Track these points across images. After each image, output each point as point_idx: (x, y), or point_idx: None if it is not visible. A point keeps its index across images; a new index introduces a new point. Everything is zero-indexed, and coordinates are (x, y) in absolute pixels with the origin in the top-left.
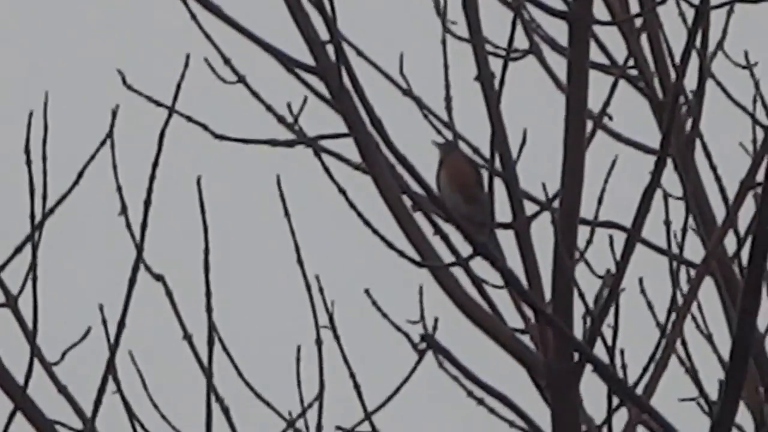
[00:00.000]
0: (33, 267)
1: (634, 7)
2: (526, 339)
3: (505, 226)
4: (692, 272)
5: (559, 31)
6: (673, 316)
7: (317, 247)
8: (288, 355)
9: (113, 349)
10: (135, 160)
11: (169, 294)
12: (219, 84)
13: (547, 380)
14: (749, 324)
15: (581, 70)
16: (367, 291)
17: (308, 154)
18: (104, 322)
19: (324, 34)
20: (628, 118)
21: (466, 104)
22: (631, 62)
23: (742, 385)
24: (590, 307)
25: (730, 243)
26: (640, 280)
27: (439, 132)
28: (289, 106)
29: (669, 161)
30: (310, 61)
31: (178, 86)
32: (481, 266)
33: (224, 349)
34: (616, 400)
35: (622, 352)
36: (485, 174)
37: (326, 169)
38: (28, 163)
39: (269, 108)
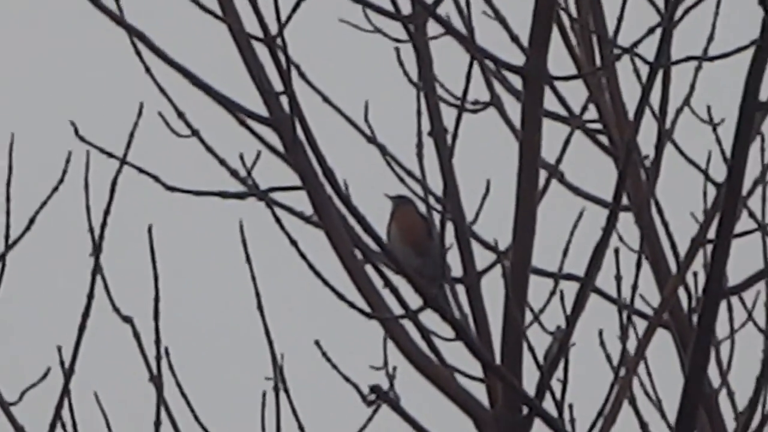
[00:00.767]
0: None
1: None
2: (476, 392)
3: (456, 280)
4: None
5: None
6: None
7: (267, 300)
8: (243, 402)
9: (65, 390)
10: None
11: (136, 335)
12: (173, 137)
13: None
14: (699, 378)
15: (534, 125)
16: (317, 342)
17: (260, 207)
18: (62, 363)
19: (278, 85)
20: (592, 171)
21: (430, 156)
22: (591, 115)
23: None
24: (540, 360)
25: (684, 301)
26: (600, 332)
27: (402, 180)
28: (242, 157)
29: (629, 215)
30: (264, 113)
31: (131, 137)
32: (431, 319)
33: (182, 393)
34: None
35: (571, 406)
36: (437, 228)
37: (278, 221)
38: None
39: (222, 162)
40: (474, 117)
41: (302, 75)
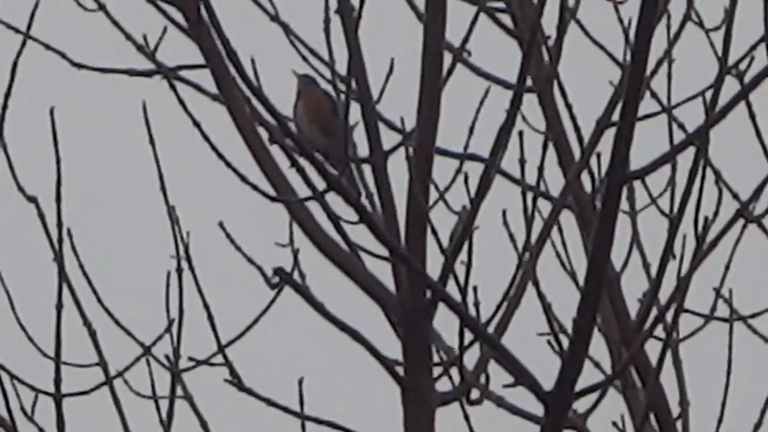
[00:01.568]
0: None
1: None
2: (382, 276)
3: (362, 160)
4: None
5: None
6: (527, 254)
7: (172, 179)
8: (145, 282)
9: None
10: None
11: (41, 215)
12: (79, 11)
13: (399, 316)
14: (601, 262)
15: (438, 6)
16: (221, 224)
17: (166, 86)
18: None
19: None
20: (496, 53)
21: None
22: None
23: (594, 320)
24: (444, 244)
25: (588, 183)
26: (504, 213)
27: (305, 60)
28: (144, 37)
29: (534, 96)
30: None
31: (34, 12)
32: (337, 202)
33: (84, 274)
34: (469, 337)
35: (475, 289)
36: (343, 107)
37: (181, 101)
38: None
39: (129, 37)
40: None
41: None
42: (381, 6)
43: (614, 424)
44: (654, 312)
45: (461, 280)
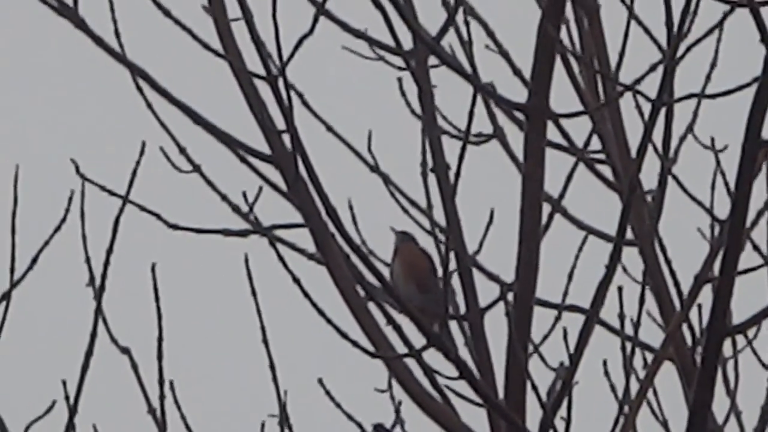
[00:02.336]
0: None
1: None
2: (479, 430)
3: (459, 317)
4: (648, 360)
5: None
6: (626, 407)
7: (271, 336)
8: None
9: (69, 424)
10: (91, 247)
11: (134, 366)
12: (175, 172)
13: None
14: (702, 416)
15: (537, 159)
16: (320, 380)
17: (263, 244)
18: (67, 397)
19: (281, 123)
20: (596, 204)
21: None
22: (595, 146)
23: None
24: (543, 398)
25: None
26: (604, 362)
27: (405, 211)
28: (244, 195)
29: (634, 249)
30: (266, 150)
31: (133, 175)
32: (434, 357)
33: (186, 427)
34: None
35: None
36: (440, 265)
37: (281, 259)
38: None
39: (224, 197)
40: (478, 149)
41: (305, 104)
42: (481, 157)
43: None
44: None
45: None
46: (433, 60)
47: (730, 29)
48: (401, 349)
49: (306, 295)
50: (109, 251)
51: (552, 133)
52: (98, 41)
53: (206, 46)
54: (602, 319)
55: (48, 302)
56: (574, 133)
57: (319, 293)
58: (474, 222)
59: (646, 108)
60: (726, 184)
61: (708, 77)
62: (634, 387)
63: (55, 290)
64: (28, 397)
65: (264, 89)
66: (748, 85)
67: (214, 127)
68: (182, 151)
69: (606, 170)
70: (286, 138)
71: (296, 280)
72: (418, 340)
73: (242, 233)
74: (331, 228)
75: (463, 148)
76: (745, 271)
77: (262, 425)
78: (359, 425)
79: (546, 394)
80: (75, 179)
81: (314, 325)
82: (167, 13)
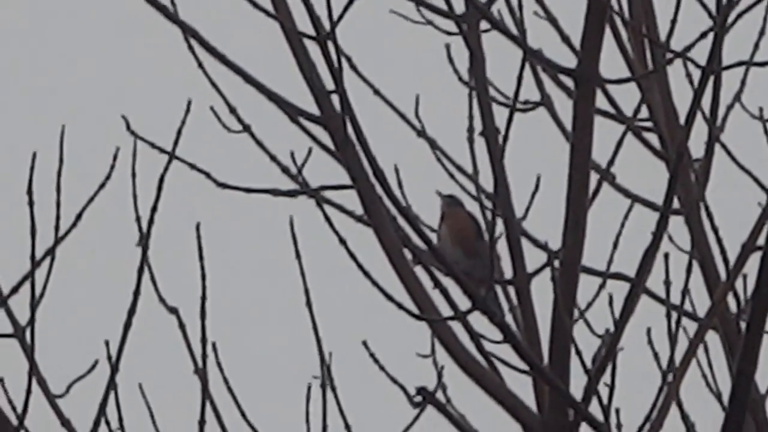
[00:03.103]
0: (36, 299)
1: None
2: (524, 395)
3: (506, 281)
4: (694, 329)
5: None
6: (671, 375)
7: (316, 297)
8: (288, 398)
9: (110, 383)
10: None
11: (182, 326)
12: (224, 132)
13: None
14: (746, 386)
15: (586, 127)
16: (364, 342)
17: (311, 205)
18: (109, 357)
19: (330, 84)
20: (642, 172)
21: (480, 151)
22: (643, 115)
23: None
24: (587, 365)
25: (732, 305)
26: (648, 330)
27: (451, 176)
28: (292, 155)
29: (680, 218)
30: (315, 111)
31: (179, 132)
32: (479, 321)
33: (228, 388)
34: None
35: (617, 411)
36: (487, 229)
37: (328, 220)
38: (30, 201)
39: (273, 158)
40: (525, 116)
41: (353, 67)
42: (528, 125)
43: None
44: None
45: (604, 400)
46: (483, 25)
47: None
48: (447, 312)
49: (352, 256)
50: (154, 209)
51: (600, 102)
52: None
53: (257, 6)
54: (648, 288)
55: (94, 261)
56: (622, 101)
57: (365, 255)
58: (521, 189)
59: (695, 76)
60: None
61: (756, 45)
62: (679, 356)
63: (102, 248)
64: (72, 356)
65: (314, 50)
66: None
67: (264, 87)
68: (232, 110)
69: (653, 139)
70: (335, 99)
71: (342, 242)
72: (463, 304)
73: (291, 193)
74: (379, 190)
75: (512, 113)
76: None
77: (308, 388)
78: (403, 388)
79: (591, 360)
80: (123, 137)
81: (360, 287)
82: None
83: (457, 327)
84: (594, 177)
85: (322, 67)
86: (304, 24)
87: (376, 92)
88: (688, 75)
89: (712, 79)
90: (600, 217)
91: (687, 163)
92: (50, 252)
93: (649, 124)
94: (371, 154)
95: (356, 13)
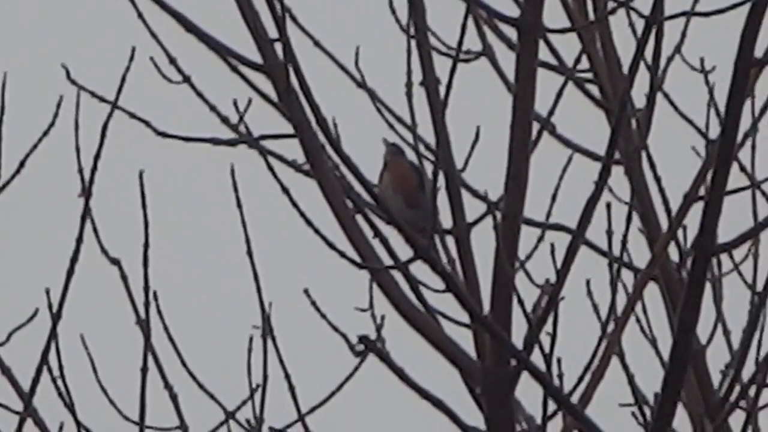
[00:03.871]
0: None
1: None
2: (464, 344)
3: (445, 231)
4: (635, 279)
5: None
6: (612, 325)
7: (258, 246)
8: (229, 348)
9: (52, 333)
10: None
11: (123, 278)
12: (165, 82)
13: (483, 385)
14: (687, 335)
15: (528, 77)
16: (306, 291)
17: (253, 155)
18: (50, 306)
19: (273, 32)
20: (583, 122)
21: (420, 103)
22: (584, 66)
23: (679, 394)
24: (529, 313)
25: (673, 255)
26: (587, 282)
27: (391, 127)
28: (235, 103)
29: (620, 167)
30: (258, 59)
31: (122, 81)
32: (421, 270)
33: (169, 338)
34: (552, 408)
35: (559, 360)
36: (428, 178)
37: (270, 168)
38: None
39: (213, 108)
40: (465, 67)
41: (294, 19)
42: (469, 75)
43: None
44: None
45: (546, 349)
46: None
47: None
48: (388, 261)
49: (294, 204)
50: (97, 157)
51: (542, 53)
52: None
53: None
54: (588, 239)
55: (36, 210)
56: (564, 52)
57: (307, 205)
58: (462, 140)
59: (638, 26)
60: (715, 105)
61: None
62: (621, 307)
63: (44, 197)
64: (13, 305)
65: None
66: (741, 3)
67: (205, 34)
68: (172, 61)
69: (594, 90)
70: (279, 48)
71: (285, 190)
72: (405, 252)
73: (231, 142)
74: (321, 139)
75: (455, 63)
76: (734, 191)
77: (250, 339)
78: (344, 337)
79: (532, 309)
80: (64, 85)
81: (302, 236)
82: None
83: (398, 276)
84: (535, 127)
85: (266, 16)
86: None
87: (316, 44)
88: (631, 25)
89: (654, 29)
90: (541, 168)
91: (629, 114)
92: None
93: (589, 75)
94: (315, 102)
95: None
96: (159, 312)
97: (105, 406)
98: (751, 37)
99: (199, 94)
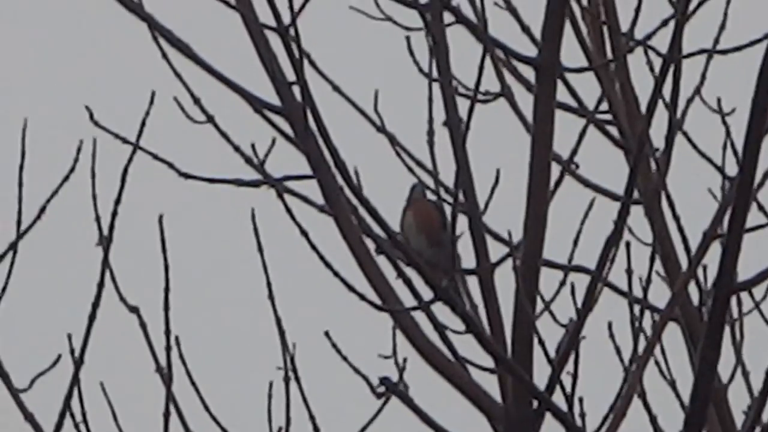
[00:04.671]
0: None
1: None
2: (488, 386)
3: (468, 271)
4: (656, 319)
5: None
6: (634, 366)
7: (279, 289)
8: (253, 391)
9: (75, 379)
10: (101, 196)
11: (143, 325)
12: (188, 124)
13: (505, 427)
14: (709, 374)
15: (547, 117)
16: (326, 333)
17: (274, 196)
18: (72, 351)
19: (291, 75)
20: (602, 162)
21: (439, 146)
22: (603, 107)
23: None
24: (551, 354)
25: (693, 294)
26: (609, 325)
27: (410, 170)
28: (253, 146)
29: (639, 207)
30: (276, 101)
31: (143, 123)
32: (442, 311)
33: (192, 383)
34: None
35: (581, 400)
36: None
37: (288, 210)
38: None
39: (236, 148)
40: (483, 108)
41: (312, 63)
42: (488, 117)
43: None
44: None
45: (568, 390)
46: (446, 18)
47: None
48: (409, 302)
49: (313, 247)
50: (117, 201)
51: (561, 94)
52: None
53: None
54: (609, 281)
55: (57, 255)
56: (583, 93)
57: (327, 246)
58: (481, 181)
59: (657, 64)
60: (732, 144)
61: (719, 34)
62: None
63: (65, 242)
64: (34, 352)
65: (275, 41)
66: (758, 40)
67: (226, 78)
68: (196, 101)
69: (613, 130)
70: (296, 91)
71: (304, 233)
72: (426, 293)
73: (254, 183)
74: (340, 180)
75: (473, 104)
76: (754, 229)
77: (270, 385)
78: (366, 379)
79: (554, 350)
80: (86, 129)
81: (322, 278)
82: None
83: (420, 318)
84: (555, 168)
85: (284, 58)
86: (265, 15)
87: (335, 88)
88: (649, 63)
89: (672, 67)
90: (560, 208)
91: (648, 153)
92: (12, 247)
93: (608, 116)
94: (332, 143)
95: (316, 8)
96: (181, 356)
97: None
98: None
99: (223, 134)
